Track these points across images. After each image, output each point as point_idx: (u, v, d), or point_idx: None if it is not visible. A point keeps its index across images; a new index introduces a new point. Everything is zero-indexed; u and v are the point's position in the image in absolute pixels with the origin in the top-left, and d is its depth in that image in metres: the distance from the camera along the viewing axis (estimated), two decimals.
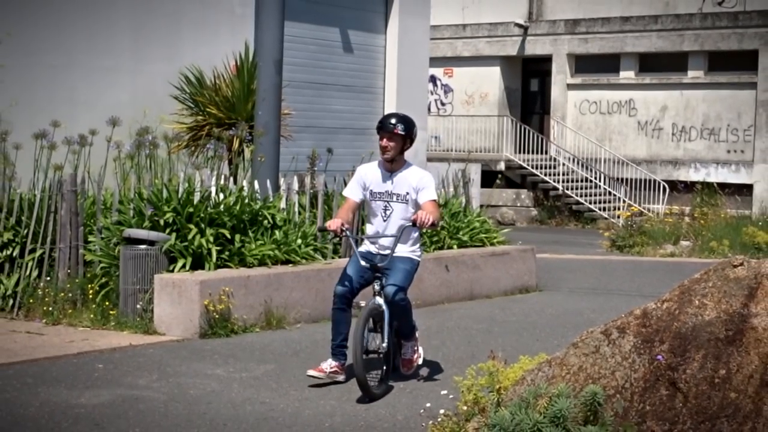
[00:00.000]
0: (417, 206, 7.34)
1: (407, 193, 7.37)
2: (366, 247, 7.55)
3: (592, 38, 28.88)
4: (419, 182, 7.37)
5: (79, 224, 10.33)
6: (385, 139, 7.32)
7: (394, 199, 7.40)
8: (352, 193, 7.54)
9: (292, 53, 16.24)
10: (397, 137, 7.31)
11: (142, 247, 9.63)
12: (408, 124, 7.38)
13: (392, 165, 7.42)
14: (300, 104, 16.27)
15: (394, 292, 7.16)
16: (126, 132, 11.18)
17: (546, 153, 28.73)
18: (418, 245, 7.59)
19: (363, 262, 7.30)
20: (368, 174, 7.50)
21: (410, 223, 7.22)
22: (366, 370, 6.93)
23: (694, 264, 15.81)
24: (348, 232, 7.23)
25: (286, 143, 13.11)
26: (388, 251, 7.32)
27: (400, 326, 7.48)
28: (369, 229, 7.61)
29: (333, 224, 7.22)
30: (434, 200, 7.42)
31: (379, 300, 7.13)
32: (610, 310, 10.66)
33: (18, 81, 13.25)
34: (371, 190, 7.45)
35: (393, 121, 7.37)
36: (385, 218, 7.41)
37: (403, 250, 7.39)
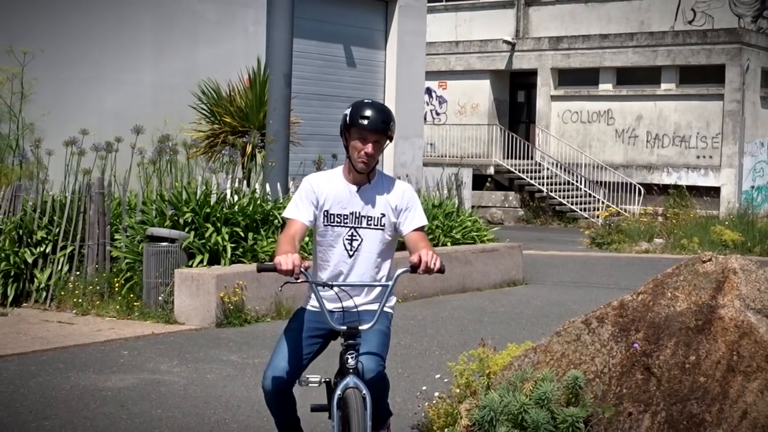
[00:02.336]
0: (394, 233, 4.57)
1: (383, 215, 4.52)
2: (325, 302, 4.45)
3: (574, 54, 28.85)
4: (402, 200, 4.54)
5: (106, 223, 10.32)
6: (370, 144, 4.40)
7: (365, 223, 4.51)
8: (300, 212, 4.48)
9: (301, 67, 16.25)
10: (384, 140, 4.48)
11: (164, 244, 9.62)
12: (393, 119, 4.56)
13: (364, 176, 4.52)
14: (307, 114, 16.30)
15: (376, 367, 4.37)
16: (149, 139, 11.18)
17: (532, 158, 28.71)
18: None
19: (315, 331, 4.54)
20: (323, 187, 4.53)
21: (409, 269, 4.34)
22: None
23: (666, 260, 15.81)
24: (308, 275, 4.30)
25: (294, 149, 13.12)
26: (364, 303, 4.51)
27: (373, 410, 4.44)
28: (323, 270, 4.58)
29: (285, 262, 4.16)
30: (424, 228, 4.60)
31: (356, 381, 4.25)
32: (590, 302, 10.66)
33: (50, 93, 13.27)
34: (327, 211, 4.50)
35: (383, 119, 4.42)
36: (351, 252, 4.50)
37: (379, 302, 4.49)
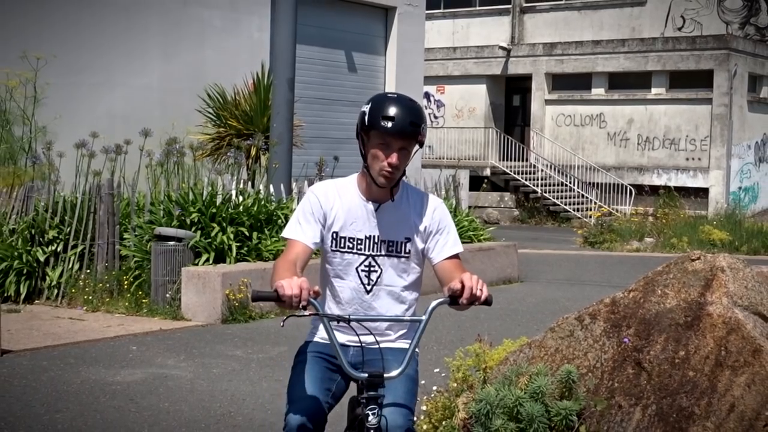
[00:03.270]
0: (423, 262, 3.55)
1: (408, 240, 3.46)
2: (337, 334, 3.42)
3: (567, 59, 28.86)
4: (432, 220, 3.47)
5: (115, 223, 10.32)
6: (395, 153, 3.29)
7: (385, 250, 3.45)
8: (303, 231, 3.41)
9: (304, 72, 16.25)
10: (413, 146, 3.34)
11: (171, 243, 9.62)
12: (425, 119, 3.39)
13: (386, 191, 3.39)
14: (310, 117, 16.29)
15: (404, 422, 3.31)
16: (157, 142, 11.19)
17: (526, 160, 28.72)
18: None
19: (330, 363, 3.45)
20: (333, 201, 3.44)
21: (447, 299, 3.28)
22: None
23: (657, 258, 15.80)
24: (318, 305, 3.23)
25: (297, 152, 13.12)
26: (386, 340, 3.49)
27: None
28: (332, 308, 3.52)
29: (288, 286, 3.06)
30: (459, 254, 3.52)
31: None
32: (582, 299, 10.65)
33: (62, 97, 13.27)
34: (337, 233, 3.43)
35: (411, 119, 3.26)
36: (368, 286, 3.45)
37: (405, 340, 3.55)
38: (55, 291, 10.15)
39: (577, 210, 26.61)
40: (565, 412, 4.47)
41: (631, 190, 26.42)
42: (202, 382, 6.92)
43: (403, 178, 3.46)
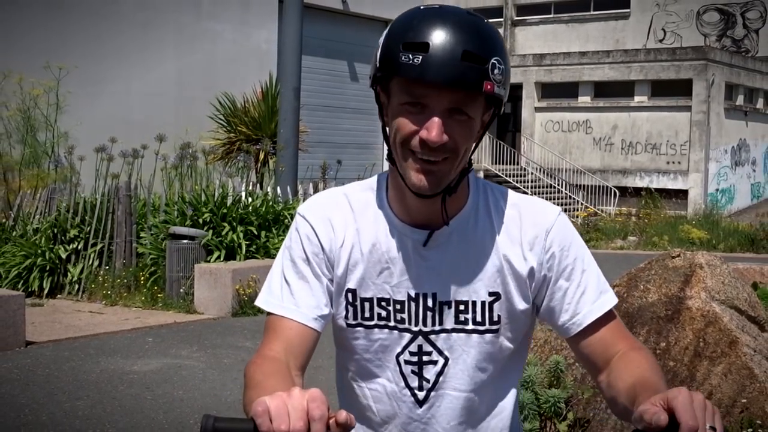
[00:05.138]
0: (529, 331, 1.59)
1: (495, 298, 1.52)
2: None
3: (556, 69, 28.86)
4: (547, 250, 1.55)
5: (132, 223, 10.32)
6: (436, 118, 1.39)
7: (451, 322, 1.52)
8: (297, 299, 1.57)
9: (308, 81, 16.26)
10: (476, 104, 1.43)
11: (185, 241, 9.62)
12: (500, 48, 1.40)
13: (437, 203, 1.47)
14: (314, 123, 16.30)
15: None
16: (171, 147, 11.19)
17: (517, 164, 28.72)
18: None
19: None
20: (341, 228, 1.55)
21: None
22: None
23: (639, 255, 15.79)
24: None
25: (302, 156, 13.12)
26: None
27: None
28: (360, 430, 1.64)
29: (281, 412, 1.13)
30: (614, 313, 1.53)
31: None
32: None
33: (83, 105, 13.28)
34: (353, 292, 1.55)
35: (465, 45, 1.33)
36: (420, 392, 1.56)
37: None
38: (76, 286, 10.15)
39: (565, 210, 26.47)
40: (554, 399, 4.47)
41: (615, 192, 26.41)
42: (214, 371, 6.91)
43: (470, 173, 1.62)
